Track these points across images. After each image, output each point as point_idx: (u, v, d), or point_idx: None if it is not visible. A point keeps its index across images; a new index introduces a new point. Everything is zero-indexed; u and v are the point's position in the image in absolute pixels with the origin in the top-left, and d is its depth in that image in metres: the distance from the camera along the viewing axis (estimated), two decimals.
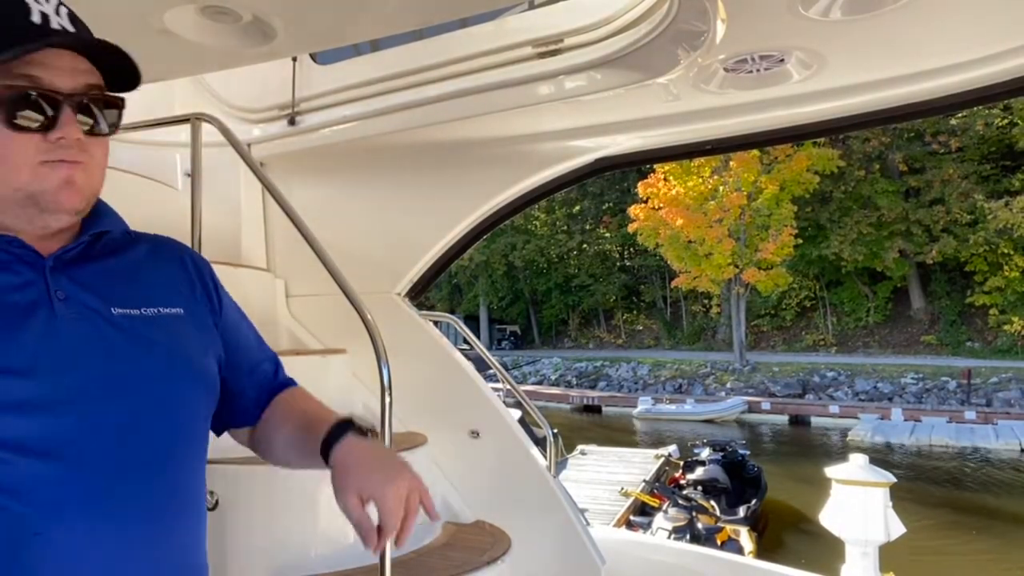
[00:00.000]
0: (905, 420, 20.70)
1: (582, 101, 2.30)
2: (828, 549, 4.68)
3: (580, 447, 14.98)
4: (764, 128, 2.35)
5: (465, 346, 3.67)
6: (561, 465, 3.36)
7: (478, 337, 5.16)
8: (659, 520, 9.62)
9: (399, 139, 2.66)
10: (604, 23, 2.11)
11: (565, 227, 36.86)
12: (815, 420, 22.33)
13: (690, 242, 25.97)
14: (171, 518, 0.96)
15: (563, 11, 2.28)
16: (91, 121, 0.92)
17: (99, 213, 1.01)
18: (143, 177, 2.93)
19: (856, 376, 24.54)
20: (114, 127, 0.96)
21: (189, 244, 2.13)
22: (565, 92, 2.27)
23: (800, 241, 26.84)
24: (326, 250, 2.12)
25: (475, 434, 2.93)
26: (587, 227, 36.65)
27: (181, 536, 0.97)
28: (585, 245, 36.81)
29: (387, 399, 1.83)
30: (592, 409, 25.54)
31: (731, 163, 24.87)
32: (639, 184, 26.52)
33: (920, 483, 14.76)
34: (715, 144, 2.48)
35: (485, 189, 2.75)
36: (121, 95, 0.96)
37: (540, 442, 3.08)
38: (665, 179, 25.71)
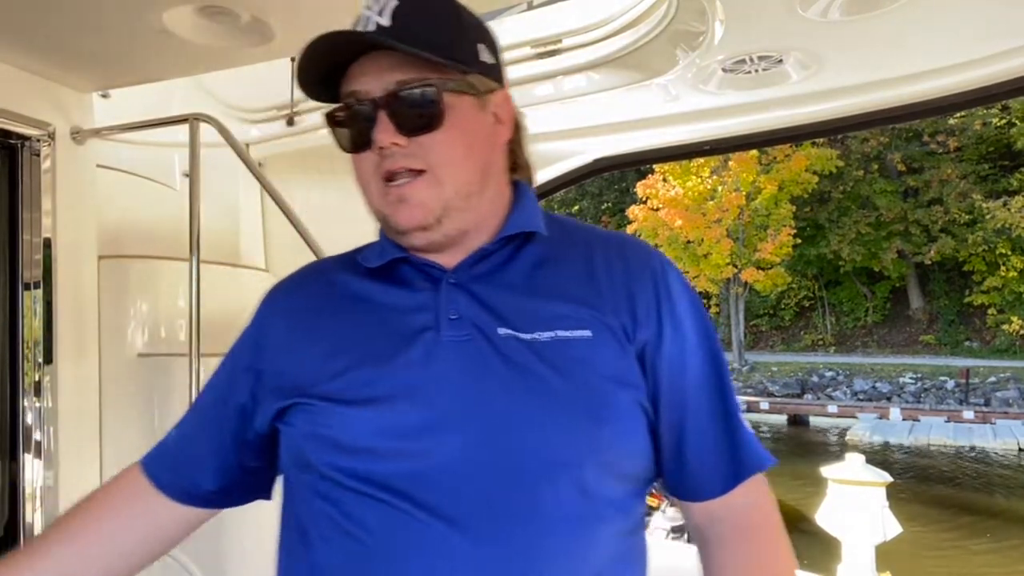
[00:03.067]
0: (903, 419, 20.72)
1: (581, 101, 2.31)
2: (827, 549, 4.69)
3: None
4: (762, 128, 2.35)
5: None
6: None
7: None
8: (657, 520, 9.62)
9: None
10: (603, 24, 2.11)
11: None
12: (814, 420, 22.35)
13: (688, 242, 25.99)
14: None
15: (562, 12, 2.28)
16: (411, 117, 0.80)
17: (513, 213, 0.89)
18: (141, 177, 2.92)
19: (855, 376, 24.56)
20: (436, 117, 0.81)
21: (187, 244, 2.15)
22: (564, 92, 2.28)
23: (799, 241, 26.87)
24: (324, 250, 2.12)
25: None
26: None
27: None
28: None
29: None
30: None
31: (730, 163, 24.88)
32: (638, 184, 26.52)
33: (918, 482, 14.79)
34: (713, 144, 2.49)
35: None
36: (422, 80, 0.80)
37: None
38: (664, 179, 25.72)
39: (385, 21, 0.81)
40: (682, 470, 0.88)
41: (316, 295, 0.93)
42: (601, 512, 0.80)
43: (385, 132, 0.80)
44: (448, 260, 0.86)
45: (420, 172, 0.81)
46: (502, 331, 0.82)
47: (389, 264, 0.87)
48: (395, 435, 0.79)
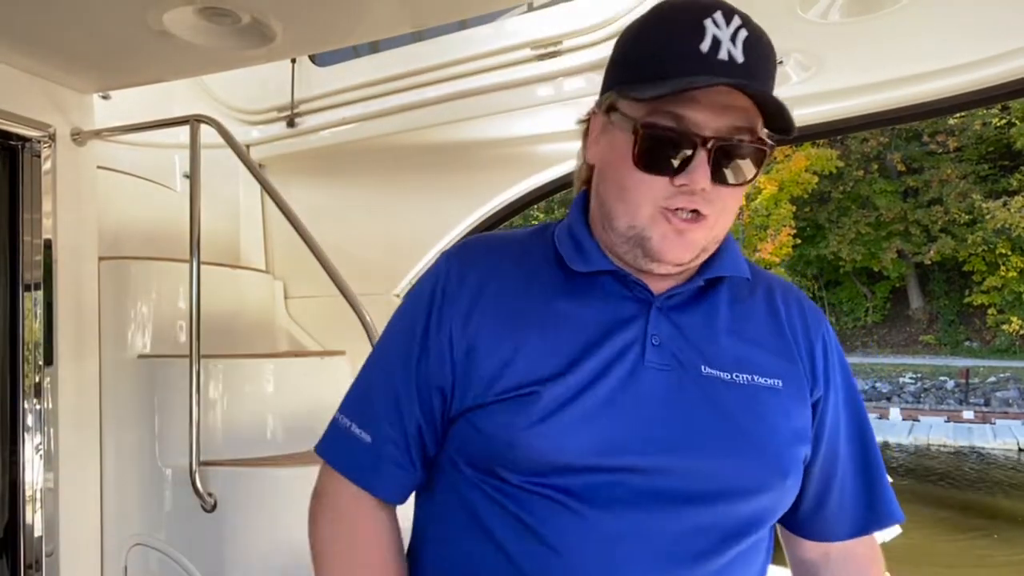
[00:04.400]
0: (903, 419, 20.72)
1: (581, 103, 2.30)
2: None
3: None
4: None
5: None
6: None
7: None
8: None
9: (398, 141, 2.66)
10: (603, 25, 2.11)
11: None
12: None
13: None
14: None
15: (562, 13, 2.28)
16: (727, 169, 0.79)
17: (721, 252, 0.88)
18: (142, 179, 2.93)
19: (854, 375, 24.52)
20: (751, 177, 0.81)
21: (187, 246, 2.15)
22: (564, 94, 2.28)
23: (799, 241, 26.88)
24: (325, 252, 2.12)
25: None
26: None
27: None
28: None
29: None
30: None
31: None
32: None
33: (918, 482, 14.79)
34: None
35: (484, 191, 2.75)
36: (766, 144, 0.80)
37: None
38: None
39: (739, 55, 0.76)
40: (817, 514, 0.94)
41: (522, 281, 0.88)
42: (759, 547, 0.86)
43: (703, 177, 0.77)
44: (656, 285, 0.86)
45: (703, 216, 0.80)
46: (704, 368, 0.84)
47: (595, 272, 0.86)
48: (599, 452, 0.79)
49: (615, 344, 0.82)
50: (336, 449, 0.92)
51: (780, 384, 0.85)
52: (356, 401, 0.93)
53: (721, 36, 0.75)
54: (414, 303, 0.90)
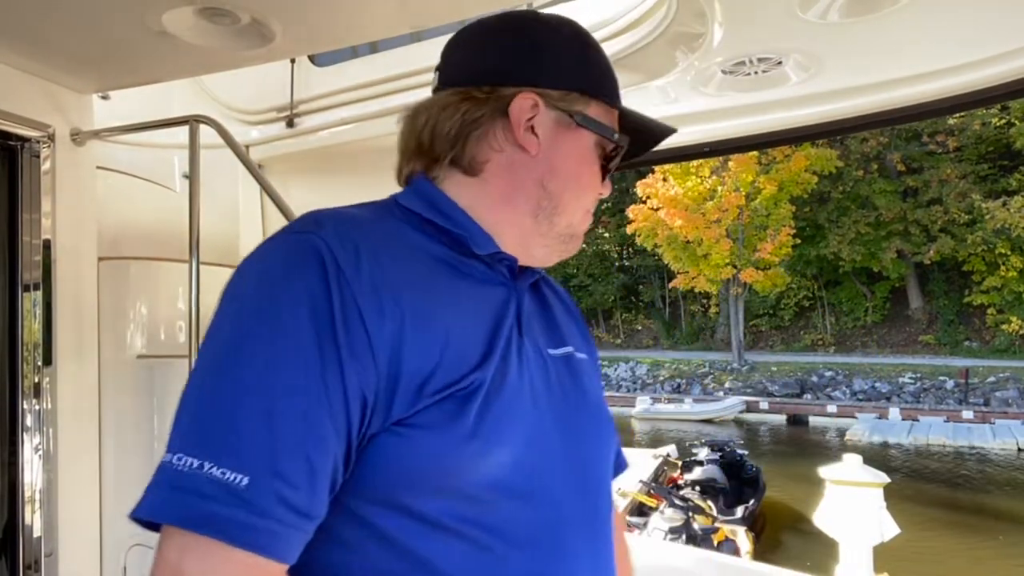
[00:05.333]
0: (903, 419, 20.74)
1: None
2: (827, 549, 4.69)
3: None
4: (762, 130, 2.35)
5: None
6: None
7: None
8: (655, 520, 9.63)
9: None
10: (602, 25, 2.11)
11: None
12: (813, 419, 22.36)
13: (688, 242, 25.99)
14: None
15: (561, 13, 2.28)
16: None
17: None
18: (141, 179, 2.92)
19: (854, 376, 24.57)
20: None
21: (187, 246, 2.15)
22: None
23: (798, 241, 26.90)
24: None
25: None
26: None
27: None
28: (584, 245, 36.66)
29: None
30: None
31: (730, 163, 24.89)
32: (638, 184, 26.53)
33: (917, 482, 14.79)
34: (713, 146, 2.49)
35: None
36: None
37: None
38: (664, 179, 25.73)
39: None
40: None
41: (410, 258, 0.76)
42: None
43: (609, 184, 0.92)
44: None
45: None
46: (552, 349, 0.87)
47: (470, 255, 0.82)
48: (523, 443, 0.76)
49: (505, 330, 0.78)
50: (188, 505, 0.61)
51: (587, 358, 0.93)
52: (209, 433, 0.64)
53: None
54: (288, 291, 0.67)
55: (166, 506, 0.63)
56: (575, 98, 0.85)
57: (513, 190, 0.84)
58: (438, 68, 0.89)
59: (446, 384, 0.69)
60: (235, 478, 0.61)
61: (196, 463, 0.62)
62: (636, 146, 0.90)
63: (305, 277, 0.67)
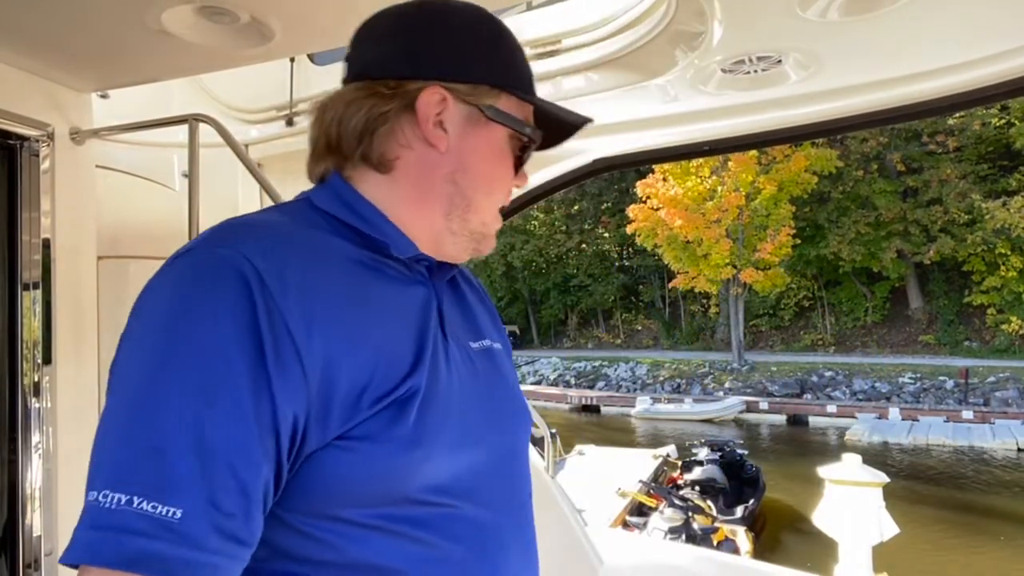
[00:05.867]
0: (903, 419, 20.74)
1: (580, 102, 2.31)
2: (826, 549, 4.69)
3: (578, 447, 15.00)
4: (762, 129, 2.35)
5: None
6: (559, 465, 3.37)
7: None
8: (655, 520, 9.64)
9: None
10: (602, 24, 2.11)
11: (564, 227, 36.88)
12: (813, 419, 22.37)
13: (688, 242, 26.00)
14: (535, 562, 0.89)
15: (561, 12, 2.28)
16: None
17: None
18: (140, 178, 2.92)
19: (854, 376, 24.58)
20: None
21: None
22: (563, 93, 2.27)
23: (798, 241, 26.90)
24: None
25: None
26: (586, 227, 36.67)
27: None
28: (584, 245, 36.84)
29: None
30: (591, 409, 25.56)
31: (729, 163, 24.90)
32: (638, 184, 26.55)
33: (917, 482, 14.80)
34: (712, 145, 2.49)
35: None
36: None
37: (538, 442, 3.09)
38: (664, 179, 25.74)
39: None
40: None
41: (330, 266, 0.74)
42: None
43: (525, 175, 0.90)
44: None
45: None
46: (473, 342, 0.88)
47: (389, 257, 0.80)
48: (459, 443, 0.76)
49: (431, 333, 0.78)
50: (119, 544, 0.59)
51: (500, 347, 0.94)
52: (135, 466, 0.61)
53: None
54: (210, 311, 0.65)
55: (95, 547, 0.59)
56: (485, 91, 0.83)
57: (425, 188, 0.82)
58: (347, 58, 0.85)
59: (383, 393, 0.69)
60: (167, 511, 0.59)
61: (124, 499, 0.59)
62: (552, 137, 0.91)
63: (228, 295, 0.65)
